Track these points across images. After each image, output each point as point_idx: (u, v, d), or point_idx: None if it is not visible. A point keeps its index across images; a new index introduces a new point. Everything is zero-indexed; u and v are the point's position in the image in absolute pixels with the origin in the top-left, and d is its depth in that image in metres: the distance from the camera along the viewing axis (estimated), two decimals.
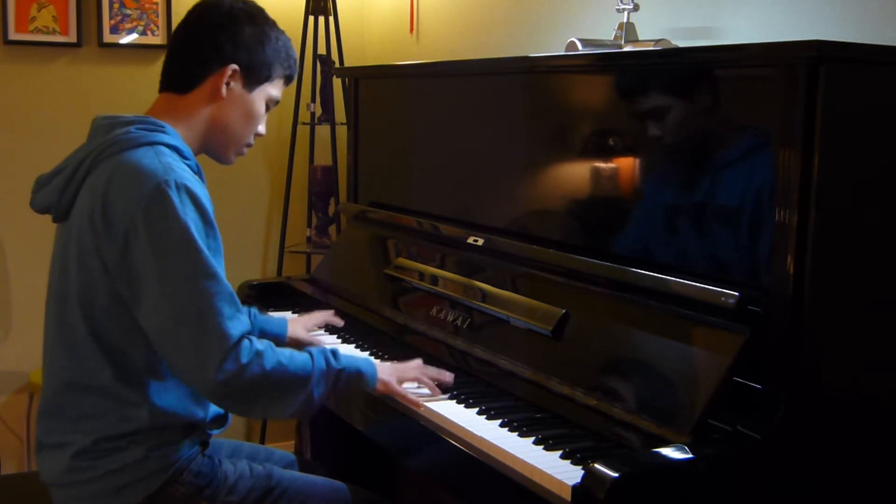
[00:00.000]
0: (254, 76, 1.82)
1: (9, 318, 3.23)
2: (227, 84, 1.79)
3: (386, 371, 1.86)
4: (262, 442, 3.57)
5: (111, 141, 1.70)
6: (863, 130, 1.52)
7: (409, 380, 1.89)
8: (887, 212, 1.56)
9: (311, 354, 1.75)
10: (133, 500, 1.70)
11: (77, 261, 1.69)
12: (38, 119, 3.25)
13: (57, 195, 1.74)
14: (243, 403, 1.69)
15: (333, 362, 1.76)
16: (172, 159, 1.69)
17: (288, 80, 1.90)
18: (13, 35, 3.17)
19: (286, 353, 1.71)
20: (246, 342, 1.65)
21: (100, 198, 1.65)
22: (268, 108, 1.88)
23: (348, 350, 2.17)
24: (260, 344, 1.68)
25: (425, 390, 1.88)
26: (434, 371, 1.91)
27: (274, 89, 1.86)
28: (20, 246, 3.17)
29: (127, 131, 1.70)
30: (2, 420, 3.25)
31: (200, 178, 1.76)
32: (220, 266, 1.66)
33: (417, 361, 1.92)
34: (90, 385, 1.70)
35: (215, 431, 1.85)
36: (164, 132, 1.73)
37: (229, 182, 3.54)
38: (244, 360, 1.63)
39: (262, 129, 1.89)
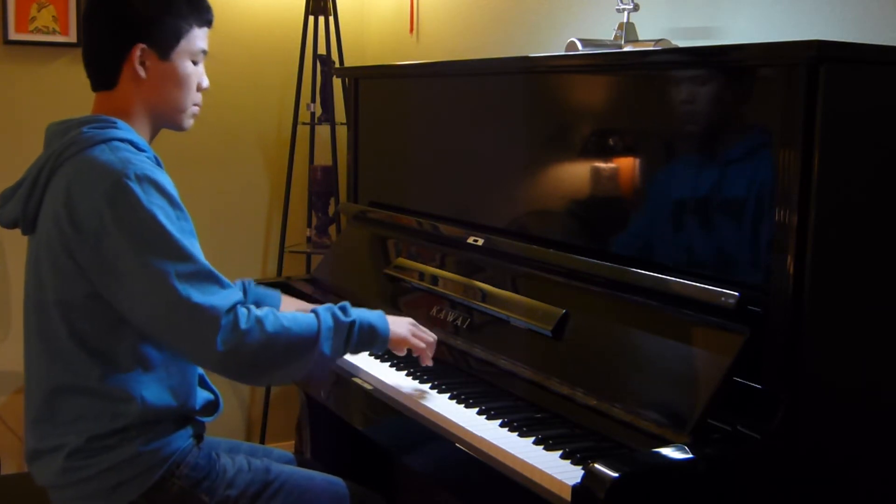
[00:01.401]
0: (164, 45, 1.77)
1: (9, 318, 3.23)
2: (143, 64, 1.76)
3: (401, 325, 1.88)
4: (262, 442, 3.57)
5: (66, 144, 1.70)
6: (863, 130, 1.52)
7: (423, 339, 1.91)
8: (887, 212, 1.56)
9: (316, 313, 1.76)
10: (131, 497, 1.71)
11: (50, 267, 1.70)
12: (38, 119, 3.23)
13: (21, 207, 1.74)
14: (253, 370, 1.69)
15: (342, 316, 1.77)
16: (129, 153, 1.68)
17: (206, 24, 1.82)
18: (13, 35, 3.17)
19: (289, 316, 1.72)
20: (242, 310, 1.66)
21: (63, 201, 1.66)
22: (197, 62, 1.82)
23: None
24: (260, 311, 1.68)
25: (426, 388, 1.89)
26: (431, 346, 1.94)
27: (193, 43, 1.80)
28: (20, 246, 3.15)
29: (80, 132, 1.70)
30: (2, 420, 3.25)
31: (160, 167, 1.74)
32: (194, 247, 1.67)
33: (431, 333, 1.95)
34: (80, 387, 1.70)
35: (207, 419, 1.85)
36: (115, 127, 1.73)
37: (229, 182, 3.55)
38: (243, 325, 1.64)
39: (204, 82, 1.85)
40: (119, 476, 1.70)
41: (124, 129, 1.74)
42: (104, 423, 1.70)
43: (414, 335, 1.90)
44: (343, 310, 1.79)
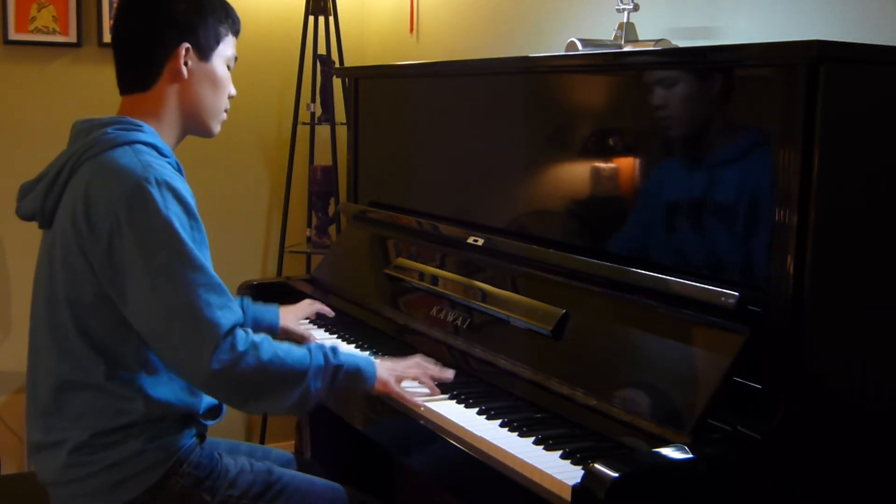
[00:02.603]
0: (205, 46, 1.82)
1: (9, 318, 3.23)
2: (186, 64, 1.79)
3: (385, 370, 1.86)
4: (262, 442, 3.57)
5: (90, 143, 1.71)
6: (863, 130, 1.52)
7: (409, 378, 1.89)
8: (887, 212, 1.56)
9: (309, 350, 1.76)
10: (133, 494, 1.71)
11: (63, 263, 1.71)
12: (38, 119, 3.24)
13: (40, 201, 1.75)
14: (239, 394, 1.69)
15: (332, 358, 1.77)
16: (151, 157, 1.70)
17: (236, 34, 1.90)
18: (13, 35, 3.17)
19: (284, 347, 1.72)
20: (241, 332, 1.67)
21: (81, 199, 1.67)
22: (230, 68, 1.89)
23: (348, 350, 2.17)
24: (257, 336, 1.69)
25: (425, 389, 1.89)
26: (435, 369, 1.91)
27: (227, 49, 1.86)
28: (20, 246, 3.16)
29: (104, 132, 1.72)
30: (2, 420, 3.25)
31: (180, 174, 1.76)
32: (206, 258, 1.68)
33: (416, 359, 1.93)
34: (86, 383, 1.71)
35: (210, 422, 1.86)
36: (141, 131, 1.74)
37: (229, 182, 3.55)
38: (240, 348, 1.64)
39: (232, 90, 1.89)
40: (122, 473, 1.70)
41: (149, 133, 1.75)
42: (108, 419, 1.70)
43: (398, 379, 1.86)
44: (333, 351, 1.79)
